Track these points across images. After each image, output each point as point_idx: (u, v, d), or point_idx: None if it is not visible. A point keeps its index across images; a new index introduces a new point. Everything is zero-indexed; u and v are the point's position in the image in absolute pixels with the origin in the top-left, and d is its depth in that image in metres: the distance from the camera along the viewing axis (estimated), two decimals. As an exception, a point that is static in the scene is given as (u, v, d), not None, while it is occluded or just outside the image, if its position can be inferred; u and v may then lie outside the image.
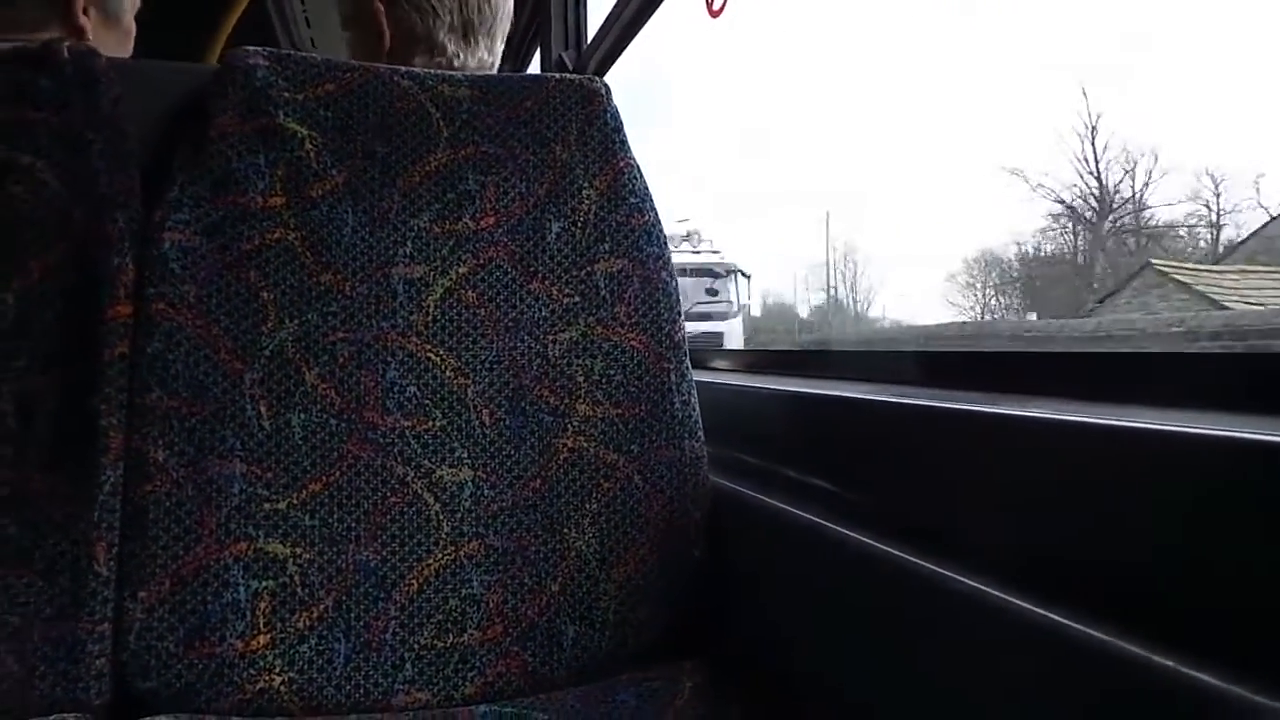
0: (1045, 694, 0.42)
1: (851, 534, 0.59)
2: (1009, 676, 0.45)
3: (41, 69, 0.71)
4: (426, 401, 0.74)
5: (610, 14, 1.59)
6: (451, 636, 0.71)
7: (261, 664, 0.66)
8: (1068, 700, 0.41)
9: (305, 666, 0.67)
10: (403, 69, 0.81)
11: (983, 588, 0.46)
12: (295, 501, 0.70)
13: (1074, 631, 0.40)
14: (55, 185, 0.69)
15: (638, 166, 0.84)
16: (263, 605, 0.67)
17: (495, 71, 1.03)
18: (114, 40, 0.98)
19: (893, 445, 0.62)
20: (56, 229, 0.69)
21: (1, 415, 0.65)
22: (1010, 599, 0.45)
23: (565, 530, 0.75)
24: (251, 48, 0.78)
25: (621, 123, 0.84)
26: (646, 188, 0.84)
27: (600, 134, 0.83)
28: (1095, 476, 0.44)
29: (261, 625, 0.67)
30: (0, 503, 0.64)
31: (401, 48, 0.95)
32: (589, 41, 1.76)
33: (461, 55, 0.97)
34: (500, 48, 1.02)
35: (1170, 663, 0.35)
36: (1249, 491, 0.37)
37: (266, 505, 0.69)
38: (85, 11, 0.93)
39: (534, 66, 2.20)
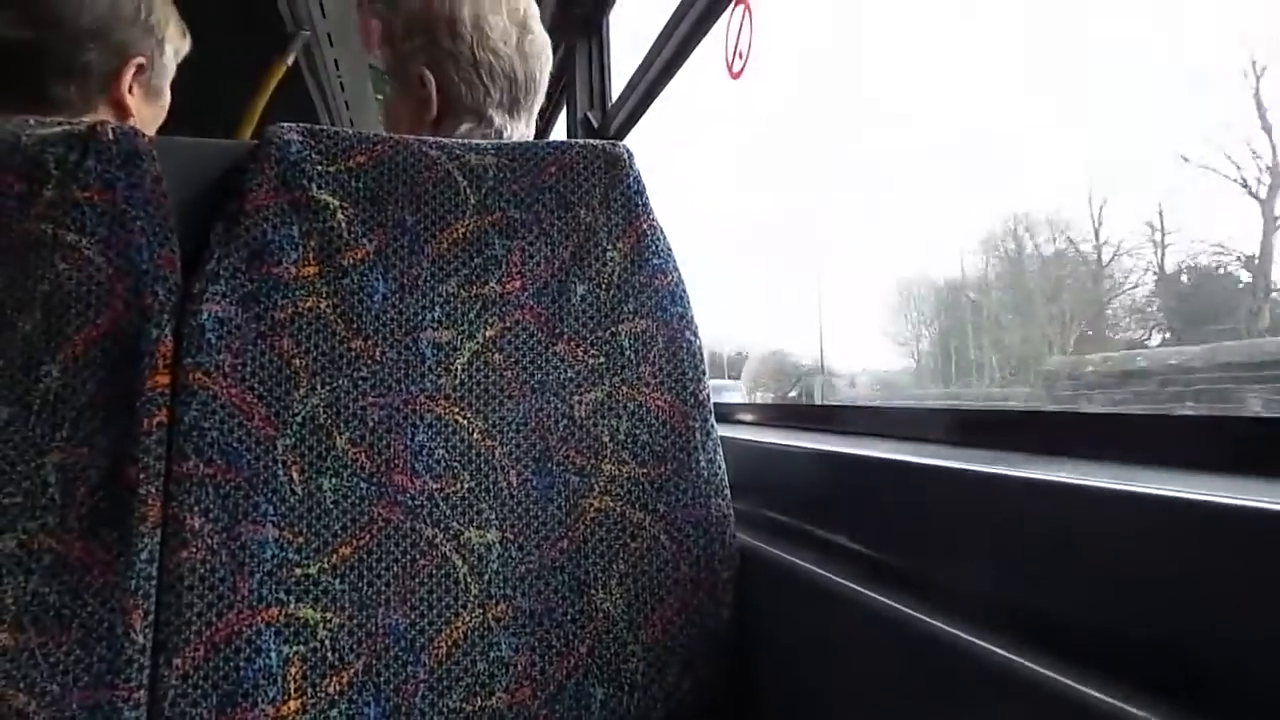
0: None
1: (879, 597, 0.59)
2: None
3: (88, 150, 0.75)
4: (455, 464, 0.75)
5: (633, 76, 1.63)
6: (480, 700, 0.71)
7: None
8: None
9: None
10: (430, 139, 0.84)
11: (1014, 658, 0.46)
12: (326, 566, 0.70)
13: (1107, 706, 0.40)
14: (99, 261, 0.72)
15: (661, 228, 0.86)
16: (294, 670, 0.68)
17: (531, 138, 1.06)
18: (152, 114, 1.01)
19: (918, 506, 0.62)
20: (99, 303, 0.71)
21: (45, 485, 0.67)
22: (1041, 670, 0.44)
23: (593, 591, 0.75)
24: (286, 124, 0.82)
25: (644, 185, 0.86)
26: (669, 248, 0.86)
27: (623, 197, 0.85)
28: (1136, 547, 0.44)
29: (292, 690, 0.67)
30: (42, 570, 0.65)
31: (449, 117, 0.98)
32: (613, 102, 1.80)
33: (508, 129, 1.00)
34: (535, 118, 1.05)
35: None
36: None
37: (298, 570, 0.70)
38: (130, 90, 0.97)
39: (559, 125, 2.25)
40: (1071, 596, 0.47)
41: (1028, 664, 0.45)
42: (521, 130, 1.02)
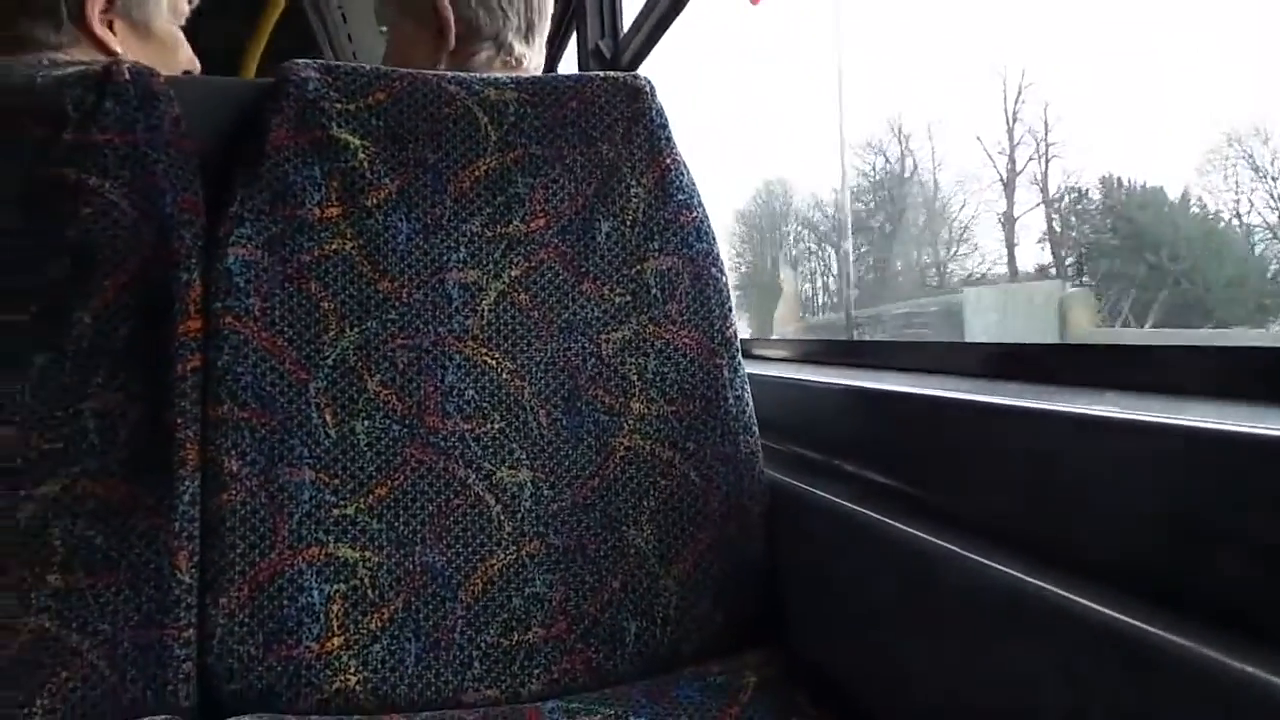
0: (1116, 698, 0.42)
1: (907, 528, 0.59)
2: (1075, 676, 0.45)
3: (104, 91, 0.73)
4: (485, 404, 0.76)
5: (646, 3, 1.58)
6: (517, 634, 0.72)
7: (337, 665, 0.68)
8: (1141, 707, 0.41)
9: (379, 666, 0.69)
10: (449, 74, 0.82)
11: (1044, 585, 0.46)
12: (363, 506, 0.71)
13: (1132, 629, 0.40)
14: (124, 205, 0.71)
15: (684, 163, 0.85)
16: (336, 608, 0.69)
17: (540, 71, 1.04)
18: (151, 51, 0.96)
19: (945, 439, 0.62)
20: (126, 248, 0.71)
21: (84, 431, 0.67)
22: (1071, 596, 0.44)
23: (624, 528, 0.76)
24: (303, 60, 0.80)
25: (667, 119, 0.85)
26: (694, 183, 0.85)
27: (646, 131, 0.83)
28: (1165, 476, 0.44)
29: (335, 627, 0.69)
30: (87, 514, 0.66)
31: (466, 44, 0.95)
32: (625, 30, 1.75)
33: (527, 56, 0.98)
34: (544, 45, 1.03)
35: (1264, 673, 0.35)
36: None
37: (335, 511, 0.71)
38: (110, 27, 0.92)
39: (569, 55, 2.20)
40: (1099, 526, 0.48)
41: (1058, 591, 0.45)
42: (537, 60, 1.00)
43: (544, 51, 1.01)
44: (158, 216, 0.72)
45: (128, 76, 0.74)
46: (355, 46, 2.80)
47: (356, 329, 0.75)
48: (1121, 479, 0.46)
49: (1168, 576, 0.43)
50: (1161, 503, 0.44)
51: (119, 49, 0.92)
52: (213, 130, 0.79)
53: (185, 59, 0.99)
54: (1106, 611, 0.43)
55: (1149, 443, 0.45)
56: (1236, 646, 0.37)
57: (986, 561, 0.51)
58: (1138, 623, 0.41)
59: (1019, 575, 0.49)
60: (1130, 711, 0.41)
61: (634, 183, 0.82)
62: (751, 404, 0.81)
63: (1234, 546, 0.40)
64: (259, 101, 0.79)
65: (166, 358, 0.70)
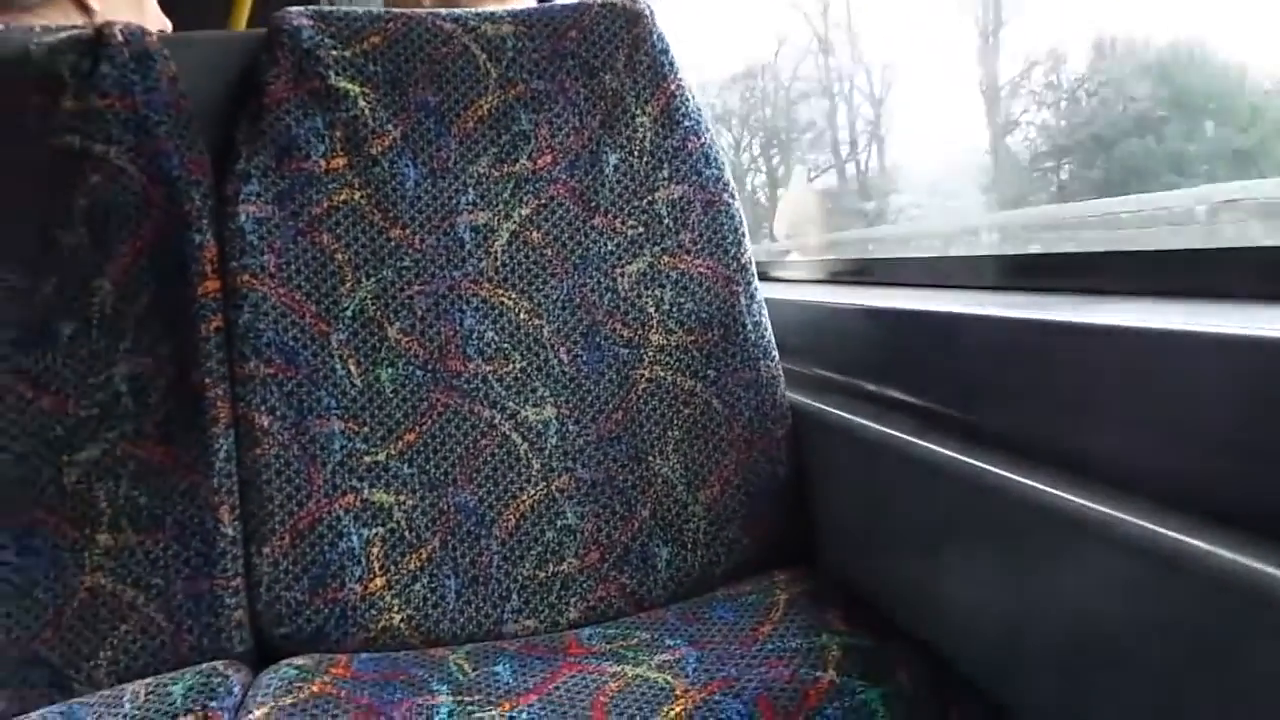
0: (1153, 609, 0.43)
1: (931, 445, 0.60)
2: (1098, 586, 0.45)
3: (99, 55, 0.73)
4: (505, 345, 0.76)
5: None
6: (552, 566, 0.74)
7: (381, 604, 0.71)
8: (1175, 616, 0.41)
9: (421, 603, 0.72)
10: (443, 11, 0.81)
11: (1069, 497, 0.47)
12: (393, 452, 0.73)
13: (1162, 538, 0.41)
14: (131, 170, 0.72)
15: (689, 88, 0.83)
16: (375, 550, 0.71)
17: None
18: (128, 10, 0.96)
19: (965, 355, 0.62)
20: (139, 213, 0.71)
21: (118, 395, 0.69)
22: (1098, 507, 0.45)
23: (650, 458, 0.77)
24: (293, 9, 0.79)
25: (668, 44, 0.83)
26: (699, 109, 0.83)
27: (648, 58, 0.82)
28: (1189, 386, 0.44)
29: (377, 569, 0.71)
30: (129, 475, 0.69)
31: None
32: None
33: None
34: None
35: None
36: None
37: (367, 458, 0.73)
38: None
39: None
40: (1121, 435, 0.48)
41: (1084, 503, 0.46)
42: None
43: None
44: (166, 179, 0.72)
45: (120, 38, 0.74)
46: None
47: (373, 278, 0.75)
48: (1144, 389, 0.46)
49: (1192, 486, 0.43)
50: (1184, 409, 0.44)
51: (97, 6, 0.91)
52: (209, 87, 0.78)
53: (154, 15, 0.98)
54: (1133, 520, 0.43)
55: (1164, 351, 0.45)
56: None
57: (1010, 474, 0.52)
58: (1170, 532, 0.41)
59: (1044, 488, 0.49)
60: (1165, 622, 0.41)
61: (639, 112, 0.81)
62: (770, 329, 0.81)
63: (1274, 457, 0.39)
64: (253, 54, 0.78)
65: (189, 319, 0.71)
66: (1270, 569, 0.36)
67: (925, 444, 0.61)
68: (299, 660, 0.67)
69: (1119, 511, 0.44)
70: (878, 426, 0.67)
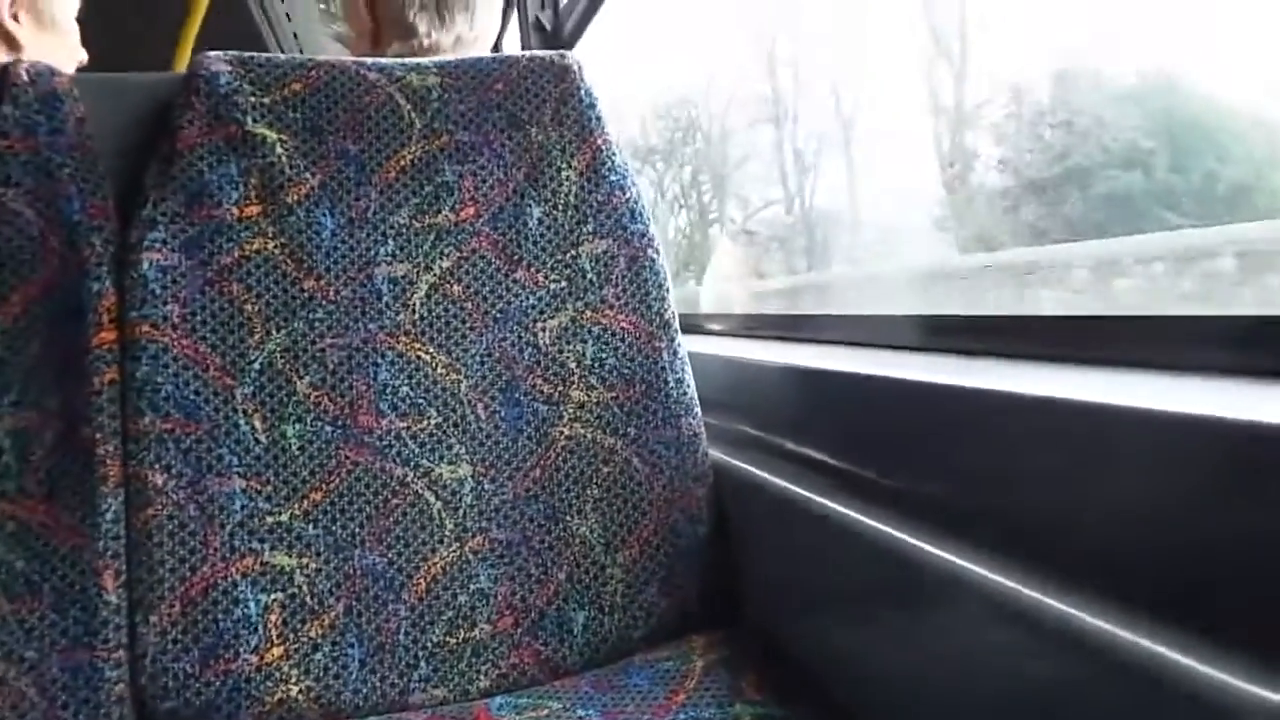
0: (1062, 680, 0.42)
1: (850, 512, 0.59)
2: (1009, 658, 0.45)
3: (2, 94, 0.70)
4: (420, 400, 0.74)
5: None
6: (463, 632, 0.72)
7: (278, 675, 0.67)
8: (1080, 697, 0.40)
9: (321, 674, 0.68)
10: (369, 61, 0.80)
11: (986, 574, 0.46)
12: (297, 512, 0.70)
13: (1066, 616, 0.40)
14: (28, 214, 0.69)
15: (615, 143, 0.83)
16: (274, 617, 0.68)
17: (490, 46, 1.01)
18: (55, 44, 0.93)
19: (885, 418, 0.62)
20: (34, 259, 0.68)
21: None
22: (1004, 581, 0.44)
23: (568, 518, 0.75)
24: (215, 53, 0.77)
25: (596, 99, 0.83)
26: (626, 164, 0.83)
27: (575, 112, 0.81)
28: (1106, 456, 0.43)
29: (274, 637, 0.68)
30: (6, 537, 0.64)
31: (384, 35, 0.93)
32: (565, 1, 1.72)
33: (434, 34, 0.94)
34: (489, 20, 0.99)
35: (1198, 665, 0.34)
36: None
37: (269, 518, 0.69)
38: (15, 18, 0.89)
39: (512, 29, 2.15)
40: (1037, 508, 0.47)
41: (992, 576, 0.45)
42: (460, 34, 0.96)
43: (475, 27, 0.97)
44: (65, 224, 0.69)
45: (26, 78, 0.71)
46: (302, 44, 2.70)
47: (283, 330, 0.72)
48: (1059, 461, 0.46)
49: (1099, 556, 0.43)
50: (1101, 482, 0.44)
51: (25, 44, 0.89)
52: (121, 129, 0.76)
53: (73, 46, 0.96)
54: (1043, 598, 0.42)
55: (1086, 424, 0.45)
56: (1192, 644, 0.36)
57: (926, 546, 0.51)
58: (1075, 611, 0.40)
59: (946, 556, 0.48)
60: (1079, 697, 0.41)
61: (565, 166, 0.80)
62: (693, 385, 0.81)
63: (1189, 536, 0.39)
64: (170, 97, 0.76)
65: (81, 371, 0.67)
66: (1159, 648, 0.35)
67: (837, 506, 0.60)
68: None
69: (1031, 588, 0.43)
70: (794, 487, 0.66)
